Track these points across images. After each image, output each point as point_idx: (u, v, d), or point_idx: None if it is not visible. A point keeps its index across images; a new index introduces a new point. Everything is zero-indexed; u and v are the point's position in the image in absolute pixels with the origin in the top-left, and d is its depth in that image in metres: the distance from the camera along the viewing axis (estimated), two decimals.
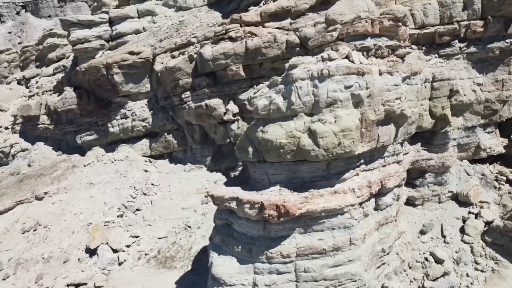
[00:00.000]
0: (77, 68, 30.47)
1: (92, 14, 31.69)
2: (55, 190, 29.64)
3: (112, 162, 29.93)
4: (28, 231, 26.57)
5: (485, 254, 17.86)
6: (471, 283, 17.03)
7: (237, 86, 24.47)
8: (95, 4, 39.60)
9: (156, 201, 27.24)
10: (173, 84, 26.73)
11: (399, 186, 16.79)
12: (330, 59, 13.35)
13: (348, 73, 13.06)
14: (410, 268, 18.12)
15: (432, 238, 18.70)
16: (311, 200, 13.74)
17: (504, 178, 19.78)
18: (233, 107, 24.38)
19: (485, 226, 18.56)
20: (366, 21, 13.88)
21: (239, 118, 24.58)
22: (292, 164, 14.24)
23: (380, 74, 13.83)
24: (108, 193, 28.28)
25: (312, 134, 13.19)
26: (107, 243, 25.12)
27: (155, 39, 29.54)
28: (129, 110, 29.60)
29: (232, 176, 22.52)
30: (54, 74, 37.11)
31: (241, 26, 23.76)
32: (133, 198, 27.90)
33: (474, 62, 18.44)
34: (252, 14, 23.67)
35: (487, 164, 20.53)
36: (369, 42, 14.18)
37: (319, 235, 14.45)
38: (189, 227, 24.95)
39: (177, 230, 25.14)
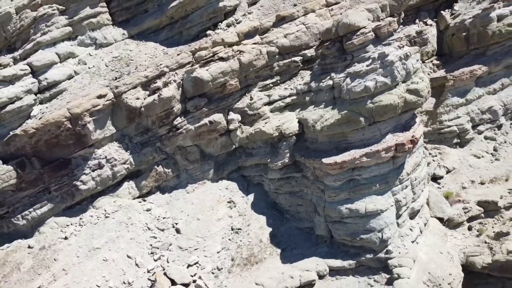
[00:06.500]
0: (17, 132, 25.34)
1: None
2: (49, 278, 25.07)
3: (106, 217, 27.26)
4: None
5: (431, 148, 30.93)
6: (439, 164, 29.67)
7: (231, 98, 28.37)
8: None
9: (182, 228, 27.85)
10: (163, 114, 27.42)
11: None
12: (403, 46, 22.04)
13: (416, 52, 22.32)
14: None
15: None
16: (416, 132, 22.32)
17: None
18: (236, 116, 28.21)
19: None
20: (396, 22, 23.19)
21: (240, 124, 28.66)
22: (397, 116, 22.22)
23: None
24: (125, 248, 26.71)
25: (412, 92, 21.75)
26: (173, 285, 25.05)
27: (105, 79, 28.18)
28: (103, 158, 27.45)
29: (277, 165, 26.72)
30: None
31: (224, 47, 27.76)
32: (155, 238, 27.34)
33: None
34: (230, 35, 27.98)
35: None
36: (399, 34, 23.55)
37: (416, 154, 23.30)
38: (239, 229, 27.58)
39: (229, 237, 27.30)
